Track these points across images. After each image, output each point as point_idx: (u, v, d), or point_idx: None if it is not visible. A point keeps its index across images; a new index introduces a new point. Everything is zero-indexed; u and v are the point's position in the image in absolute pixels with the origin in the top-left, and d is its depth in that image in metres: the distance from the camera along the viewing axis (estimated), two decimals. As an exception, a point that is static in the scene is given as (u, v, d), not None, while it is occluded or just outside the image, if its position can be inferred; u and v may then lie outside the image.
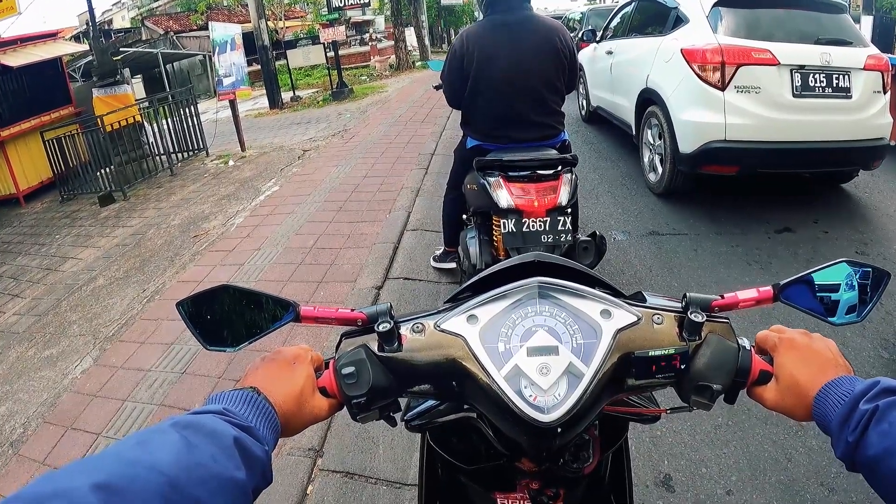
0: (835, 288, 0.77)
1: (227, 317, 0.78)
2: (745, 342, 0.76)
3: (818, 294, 0.78)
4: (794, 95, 4.05)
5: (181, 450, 0.52)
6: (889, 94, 4.37)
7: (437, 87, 3.44)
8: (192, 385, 3.00)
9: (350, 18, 19.52)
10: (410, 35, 21.04)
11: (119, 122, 7.72)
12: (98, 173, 7.86)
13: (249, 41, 11.41)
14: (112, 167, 7.63)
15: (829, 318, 0.78)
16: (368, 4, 16.03)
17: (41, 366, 3.61)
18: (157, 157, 8.56)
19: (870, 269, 0.77)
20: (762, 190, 4.85)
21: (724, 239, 4.05)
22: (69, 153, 8.18)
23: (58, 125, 8.65)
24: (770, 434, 2.33)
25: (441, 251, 3.85)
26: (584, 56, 7.42)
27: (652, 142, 4.95)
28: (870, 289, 0.77)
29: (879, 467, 0.57)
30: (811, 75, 4.07)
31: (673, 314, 0.76)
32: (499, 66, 2.83)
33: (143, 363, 3.31)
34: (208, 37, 9.22)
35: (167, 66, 21.10)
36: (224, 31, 8.76)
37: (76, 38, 19.68)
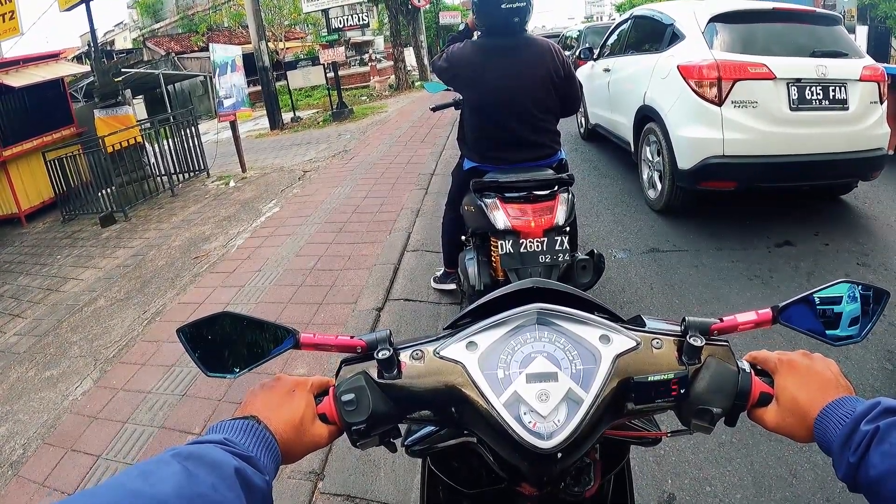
0: (837, 300, 0.78)
1: (226, 343, 0.79)
2: (745, 365, 0.76)
3: (819, 307, 0.78)
4: (791, 109, 4.08)
5: (182, 480, 0.52)
6: (886, 104, 4.39)
7: (434, 110, 3.45)
8: (193, 407, 2.99)
9: (350, 39, 19.76)
10: (410, 55, 21.24)
11: (120, 142, 7.78)
12: (99, 194, 7.89)
13: (250, 62, 11.51)
14: (113, 188, 7.66)
15: (829, 332, 0.78)
16: (368, 25, 16.20)
17: (41, 387, 3.59)
18: (159, 178, 8.60)
19: (870, 287, 0.77)
20: (762, 204, 4.86)
21: (725, 254, 4.05)
22: (71, 173, 8.23)
23: (59, 145, 8.71)
24: (775, 451, 2.31)
25: (441, 272, 3.85)
26: (581, 74, 7.47)
27: (650, 158, 4.97)
28: (871, 306, 0.77)
29: (881, 488, 0.57)
30: (807, 88, 4.09)
31: (672, 338, 0.76)
32: (491, 89, 2.85)
33: (143, 385, 3.30)
34: (209, 58, 9.30)
35: (168, 87, 21.25)
36: (224, 52, 8.84)
37: (78, 59, 19.88)
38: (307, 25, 24.41)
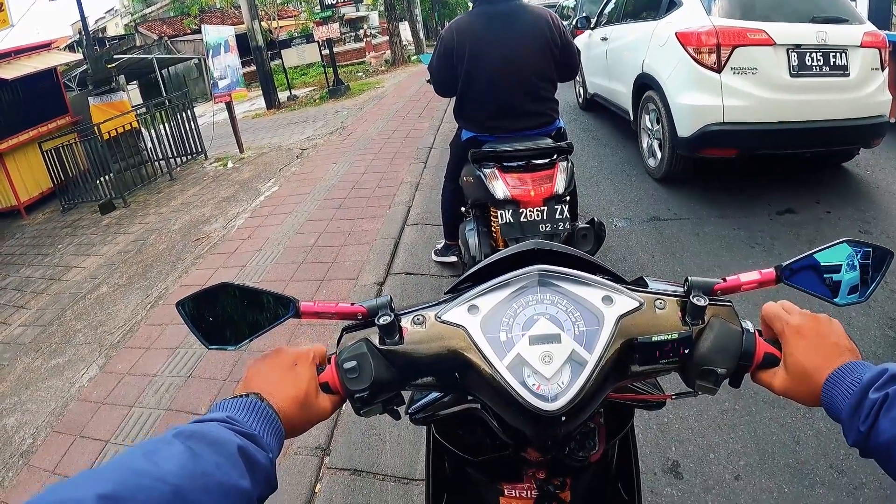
0: (836, 269, 0.77)
1: (227, 315, 0.78)
2: (749, 325, 0.75)
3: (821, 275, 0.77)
4: (792, 75, 4.02)
5: (186, 459, 0.52)
6: (887, 70, 4.33)
7: (430, 82, 3.42)
8: (199, 388, 3.00)
9: (344, 15, 19.47)
10: (405, 29, 21.00)
11: (116, 129, 7.72)
12: (98, 181, 7.87)
13: (243, 42, 11.40)
14: (111, 175, 7.64)
15: (832, 299, 0.77)
16: (361, 1, 15.99)
17: (48, 375, 3.61)
18: (156, 163, 8.57)
19: (871, 249, 0.76)
20: (763, 171, 4.83)
21: (726, 222, 4.03)
22: (68, 163, 8.20)
23: (55, 135, 8.66)
24: (777, 417, 2.32)
25: (442, 245, 3.84)
26: (579, 43, 7.37)
27: (650, 127, 4.93)
28: (872, 268, 0.77)
29: (893, 453, 0.58)
30: (808, 54, 4.03)
31: (675, 299, 0.76)
32: (489, 58, 2.82)
33: (148, 369, 3.31)
34: (202, 40, 9.21)
35: (163, 71, 21.06)
36: (217, 33, 8.75)
37: (70, 48, 19.62)
38: (300, 3, 24.11)
